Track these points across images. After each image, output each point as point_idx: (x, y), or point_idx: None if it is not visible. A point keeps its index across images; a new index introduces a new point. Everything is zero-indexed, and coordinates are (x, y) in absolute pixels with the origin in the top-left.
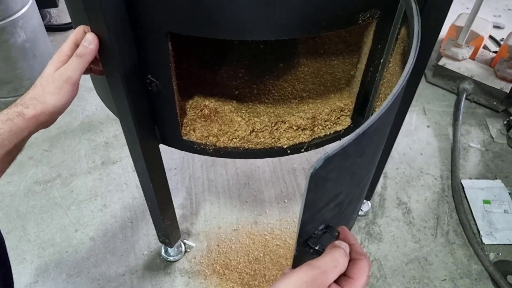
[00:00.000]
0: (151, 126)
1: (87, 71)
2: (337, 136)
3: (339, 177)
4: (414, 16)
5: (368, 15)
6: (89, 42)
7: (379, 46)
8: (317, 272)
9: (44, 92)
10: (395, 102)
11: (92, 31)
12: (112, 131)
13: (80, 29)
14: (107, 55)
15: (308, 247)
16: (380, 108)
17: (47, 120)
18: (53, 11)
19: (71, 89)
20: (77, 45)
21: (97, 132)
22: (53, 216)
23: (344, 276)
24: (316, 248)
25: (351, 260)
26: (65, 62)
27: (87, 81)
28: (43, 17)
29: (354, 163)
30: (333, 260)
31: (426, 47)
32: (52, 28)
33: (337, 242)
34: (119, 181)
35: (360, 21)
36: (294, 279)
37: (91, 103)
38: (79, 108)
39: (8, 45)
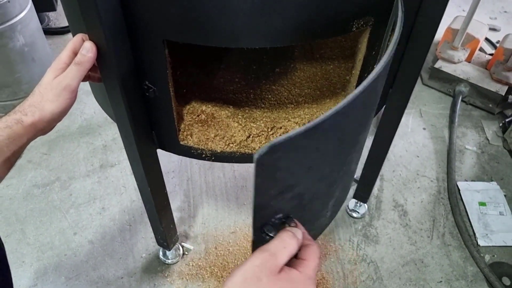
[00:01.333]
0: (148, 131)
1: (86, 78)
2: None
3: (291, 168)
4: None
5: (362, 23)
6: (87, 50)
7: (373, 52)
8: (266, 254)
9: (43, 100)
10: (358, 100)
11: (90, 39)
12: (110, 134)
13: (78, 37)
14: (104, 62)
15: (264, 233)
16: (338, 105)
17: (45, 127)
18: (51, 14)
19: (69, 97)
20: (75, 53)
21: (96, 135)
22: (52, 219)
23: (295, 259)
24: (271, 235)
25: (302, 246)
26: (63, 70)
27: (85, 84)
28: (42, 21)
29: (308, 157)
30: (281, 242)
31: (421, 49)
32: (50, 32)
33: (287, 228)
34: (117, 184)
35: (354, 29)
36: (247, 265)
37: (89, 106)
38: (78, 112)
39: (7, 49)
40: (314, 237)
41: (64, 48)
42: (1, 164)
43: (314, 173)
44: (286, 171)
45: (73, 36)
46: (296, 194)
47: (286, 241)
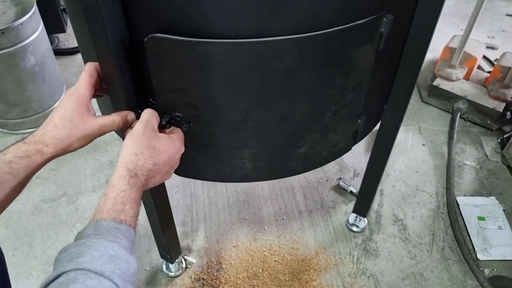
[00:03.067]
0: None
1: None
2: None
3: (178, 70)
4: None
5: None
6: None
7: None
8: (143, 122)
9: (69, 136)
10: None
11: (99, 61)
12: (116, 151)
13: (91, 66)
14: (111, 81)
15: (162, 119)
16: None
17: (61, 155)
18: (61, 36)
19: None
20: (91, 84)
21: (102, 152)
22: (58, 233)
23: None
24: (164, 122)
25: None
26: (87, 106)
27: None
28: (52, 42)
29: (198, 71)
30: (150, 113)
31: (414, 65)
32: (60, 52)
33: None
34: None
35: None
36: (134, 130)
37: None
38: None
39: (18, 69)
40: (271, 174)
41: (80, 75)
42: (15, 187)
43: (213, 93)
44: (173, 70)
45: (83, 57)
46: (191, 104)
47: (155, 112)
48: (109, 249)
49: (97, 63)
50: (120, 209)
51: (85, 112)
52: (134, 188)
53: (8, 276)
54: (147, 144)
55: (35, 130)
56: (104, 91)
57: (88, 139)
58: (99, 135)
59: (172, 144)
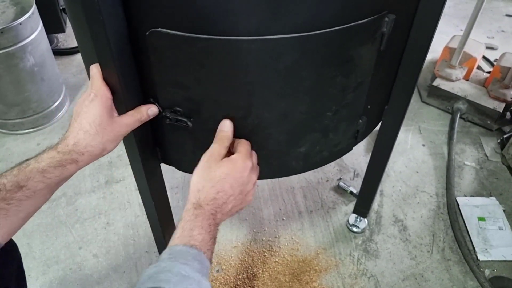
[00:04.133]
0: (152, 147)
1: None
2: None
3: (182, 64)
4: None
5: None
6: (153, 112)
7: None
8: (209, 153)
9: (103, 140)
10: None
11: (98, 61)
12: (115, 151)
13: (96, 69)
14: (112, 80)
15: (163, 114)
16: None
17: (95, 160)
18: (60, 36)
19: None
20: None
21: None
22: (57, 234)
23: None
24: (167, 115)
25: (235, 142)
26: (112, 107)
27: None
28: (51, 42)
29: (198, 66)
30: (219, 141)
31: (415, 65)
32: (59, 52)
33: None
34: (122, 200)
35: None
36: (200, 163)
37: None
38: None
39: (17, 69)
40: (270, 174)
41: (92, 79)
42: (45, 194)
43: (212, 89)
44: (174, 64)
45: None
46: (192, 99)
47: (222, 140)
48: (182, 270)
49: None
50: (189, 235)
51: (112, 115)
52: (200, 217)
53: (23, 271)
54: (208, 176)
55: (65, 137)
56: None
57: (118, 140)
58: (126, 134)
59: (233, 166)
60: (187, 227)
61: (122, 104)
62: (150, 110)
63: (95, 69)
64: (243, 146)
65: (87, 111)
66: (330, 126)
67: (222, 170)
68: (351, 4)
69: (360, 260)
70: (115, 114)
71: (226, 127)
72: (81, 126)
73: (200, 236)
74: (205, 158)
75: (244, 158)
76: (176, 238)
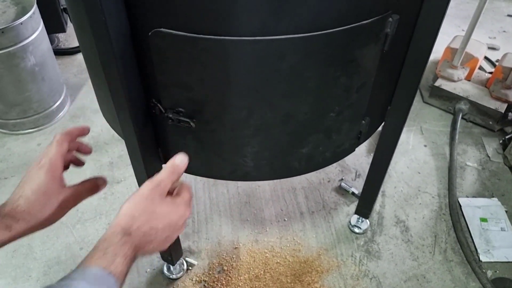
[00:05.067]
0: (154, 147)
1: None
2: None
3: (184, 64)
4: None
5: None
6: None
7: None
8: (155, 183)
9: (43, 210)
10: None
11: (100, 61)
12: (117, 152)
13: (61, 136)
14: (114, 81)
15: (166, 114)
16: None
17: (36, 231)
18: (61, 35)
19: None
20: (63, 155)
21: (103, 152)
22: (58, 234)
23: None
24: (170, 116)
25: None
26: (60, 178)
27: (93, 102)
28: (52, 42)
29: (200, 67)
30: (167, 174)
31: (419, 64)
32: (60, 52)
33: (169, 163)
34: (123, 200)
35: None
36: (143, 188)
37: (96, 124)
38: None
39: (18, 69)
40: (271, 174)
41: (49, 146)
42: None
43: (215, 89)
44: (176, 65)
45: (84, 56)
46: (195, 100)
47: (173, 174)
48: None
49: (66, 133)
50: (111, 260)
51: (59, 185)
52: (127, 245)
53: None
54: (148, 208)
55: (6, 201)
56: (75, 162)
57: (64, 212)
58: (74, 206)
59: (175, 209)
60: (110, 251)
61: (123, 104)
62: (99, 181)
63: (56, 137)
64: (188, 191)
65: (31, 178)
66: (333, 127)
67: (163, 209)
68: (355, 5)
69: (362, 261)
70: (64, 185)
71: (180, 161)
72: (22, 192)
73: (120, 267)
74: (149, 186)
75: (187, 206)
76: (97, 259)
